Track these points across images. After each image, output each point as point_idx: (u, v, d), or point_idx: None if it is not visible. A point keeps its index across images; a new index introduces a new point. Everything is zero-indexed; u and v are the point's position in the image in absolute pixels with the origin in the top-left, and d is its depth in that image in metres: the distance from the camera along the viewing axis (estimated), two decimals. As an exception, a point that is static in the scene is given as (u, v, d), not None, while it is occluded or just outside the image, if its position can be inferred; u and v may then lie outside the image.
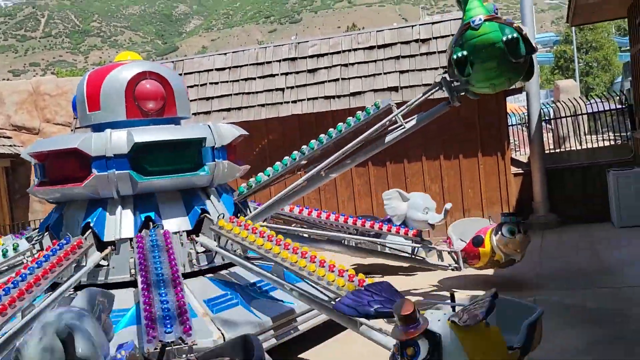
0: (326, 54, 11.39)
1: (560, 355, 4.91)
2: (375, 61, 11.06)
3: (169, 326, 4.21)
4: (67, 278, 5.22)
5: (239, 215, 6.20)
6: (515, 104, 21.61)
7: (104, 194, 5.73)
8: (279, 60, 11.60)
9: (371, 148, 6.42)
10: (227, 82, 11.76)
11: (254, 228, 5.46)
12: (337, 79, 11.11)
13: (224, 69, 11.88)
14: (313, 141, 6.39)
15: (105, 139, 5.63)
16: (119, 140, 5.62)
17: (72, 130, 12.67)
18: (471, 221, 7.89)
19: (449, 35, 10.48)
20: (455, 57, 5.64)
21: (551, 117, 14.15)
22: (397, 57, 10.95)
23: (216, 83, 11.81)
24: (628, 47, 13.50)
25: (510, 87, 6.40)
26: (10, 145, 13.80)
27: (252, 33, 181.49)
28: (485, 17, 5.49)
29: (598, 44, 42.78)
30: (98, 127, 6.05)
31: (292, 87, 11.32)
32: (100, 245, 5.66)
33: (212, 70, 11.93)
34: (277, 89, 11.38)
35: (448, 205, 7.55)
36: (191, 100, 9.76)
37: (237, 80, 11.69)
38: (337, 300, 4.24)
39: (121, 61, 6.30)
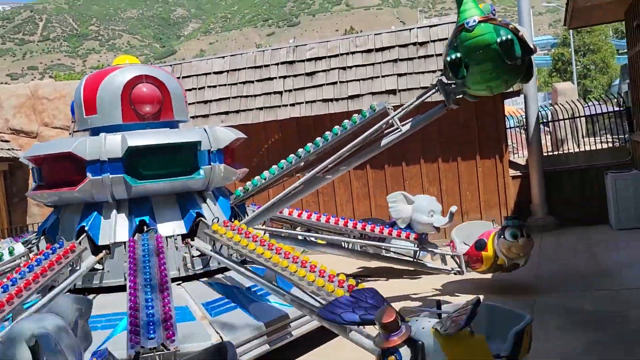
0: (324, 57, 11.39)
1: (560, 356, 4.90)
2: (373, 64, 11.06)
3: (152, 332, 4.18)
4: (61, 281, 5.20)
5: (235, 219, 6.17)
6: (513, 107, 21.62)
7: (98, 198, 5.72)
8: (277, 64, 11.60)
9: (368, 151, 6.39)
10: (225, 85, 11.75)
11: (247, 232, 5.43)
12: (335, 82, 11.10)
13: (222, 72, 11.87)
14: (310, 144, 6.37)
15: (100, 142, 5.61)
16: (113, 144, 5.60)
17: (70, 134, 12.65)
18: (475, 225, 7.77)
19: (446, 38, 10.43)
20: (449, 59, 5.58)
21: (549, 119, 14.14)
22: (395, 60, 10.95)
23: (214, 86, 11.80)
24: (625, 50, 13.49)
25: (507, 89, 6.34)
26: (9, 149, 13.79)
27: (250, 36, 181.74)
28: (480, 19, 5.39)
29: (596, 47, 42.79)
30: (95, 131, 6.03)
31: (290, 90, 11.31)
32: (96, 249, 5.65)
33: (210, 73, 11.92)
34: (275, 92, 11.37)
35: (453, 208, 7.48)
36: (189, 104, 9.76)
37: (235, 84, 11.68)
38: (323, 306, 4.19)
39: (119, 65, 6.29)
